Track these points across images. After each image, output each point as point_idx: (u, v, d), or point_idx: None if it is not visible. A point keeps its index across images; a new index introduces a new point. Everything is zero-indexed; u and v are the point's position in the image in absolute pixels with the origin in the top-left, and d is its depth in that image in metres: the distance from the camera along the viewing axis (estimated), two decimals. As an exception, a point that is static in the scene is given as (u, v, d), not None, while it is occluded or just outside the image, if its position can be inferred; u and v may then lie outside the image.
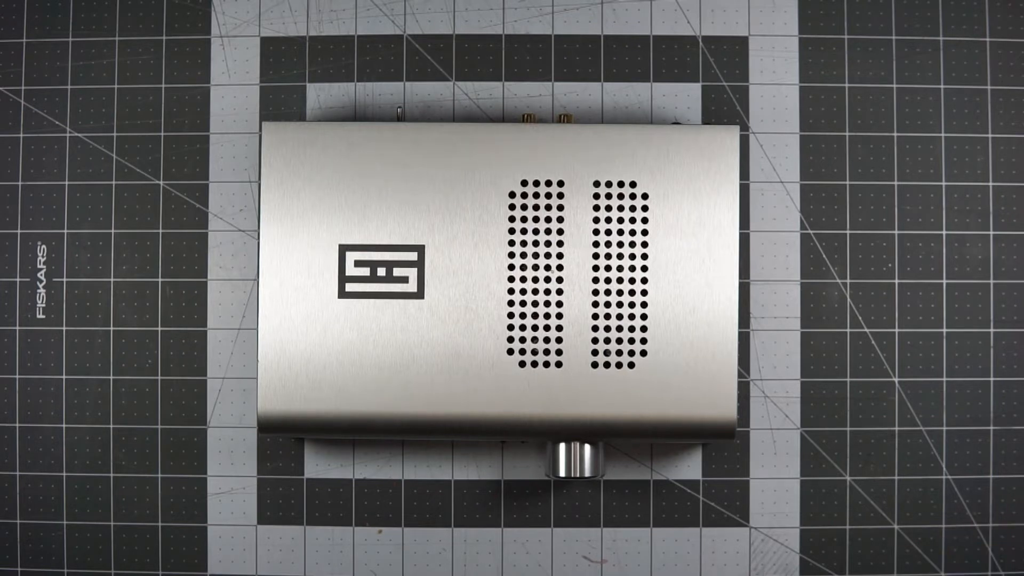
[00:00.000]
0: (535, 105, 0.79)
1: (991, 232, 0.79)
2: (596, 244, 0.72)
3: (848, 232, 0.79)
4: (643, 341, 0.72)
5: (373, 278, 0.72)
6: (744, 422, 0.78)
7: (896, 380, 0.78)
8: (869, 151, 0.79)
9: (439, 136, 0.72)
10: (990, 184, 0.79)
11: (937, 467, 0.78)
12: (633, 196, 0.72)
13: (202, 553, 0.79)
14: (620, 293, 0.72)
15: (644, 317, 0.72)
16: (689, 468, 0.79)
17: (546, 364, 0.72)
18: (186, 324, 0.79)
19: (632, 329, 0.72)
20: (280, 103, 0.80)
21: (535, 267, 0.72)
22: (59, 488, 0.79)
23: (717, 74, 0.79)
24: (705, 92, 0.79)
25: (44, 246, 0.79)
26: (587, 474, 0.73)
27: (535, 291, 0.72)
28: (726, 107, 0.79)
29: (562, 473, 0.73)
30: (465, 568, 0.79)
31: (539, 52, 0.80)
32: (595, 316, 0.72)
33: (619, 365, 0.72)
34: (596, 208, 0.72)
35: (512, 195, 0.72)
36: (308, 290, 0.72)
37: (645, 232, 0.72)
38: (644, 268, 0.72)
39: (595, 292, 0.72)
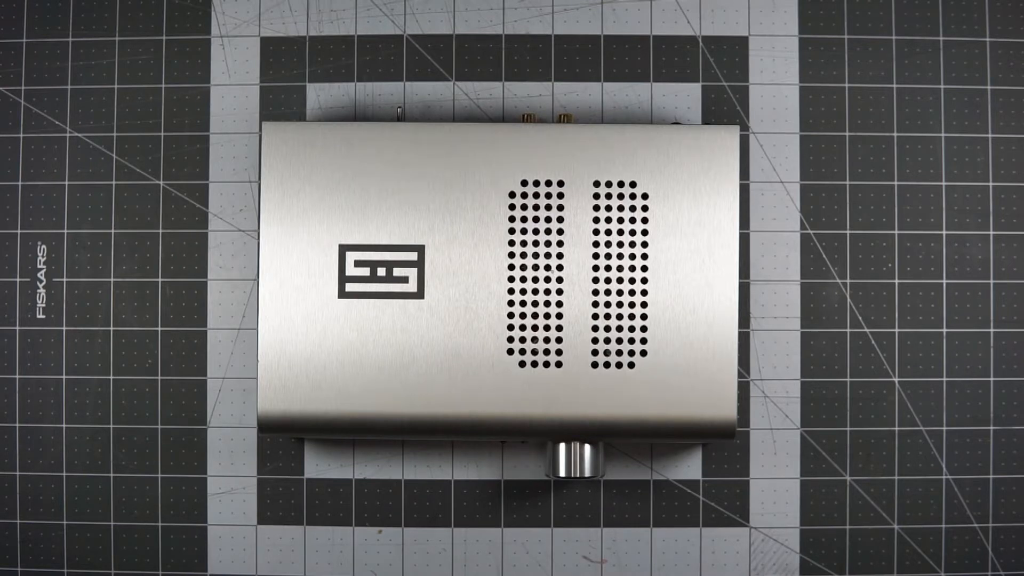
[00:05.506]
0: (535, 105, 0.79)
1: (991, 232, 0.79)
2: (596, 244, 0.72)
3: (848, 232, 0.79)
4: (643, 341, 0.72)
5: (373, 278, 0.72)
6: (744, 422, 0.78)
7: (896, 380, 0.78)
8: (869, 151, 0.79)
9: (439, 136, 0.72)
10: (990, 184, 0.79)
11: (937, 467, 0.78)
12: (633, 196, 0.72)
13: (202, 553, 0.79)
14: (620, 293, 0.72)
15: (644, 317, 0.72)
16: (689, 468, 0.79)
17: (546, 364, 0.72)
18: (186, 324, 0.79)
19: (632, 329, 0.72)
20: (280, 103, 0.80)
21: (535, 267, 0.72)
22: (59, 488, 0.79)
23: (717, 74, 0.79)
24: (705, 92, 0.79)
25: (44, 246, 0.79)
26: (587, 474, 0.73)
27: (535, 291, 0.72)
28: (726, 107, 0.79)
29: (562, 473, 0.73)
30: (465, 568, 0.79)
31: (539, 52, 0.80)
32: (595, 316, 0.72)
33: (619, 365, 0.71)
34: (596, 208, 0.72)
35: (512, 195, 0.72)
36: (308, 290, 0.72)
37: (645, 232, 0.72)
38: (644, 268, 0.72)
39: (595, 292, 0.72)
